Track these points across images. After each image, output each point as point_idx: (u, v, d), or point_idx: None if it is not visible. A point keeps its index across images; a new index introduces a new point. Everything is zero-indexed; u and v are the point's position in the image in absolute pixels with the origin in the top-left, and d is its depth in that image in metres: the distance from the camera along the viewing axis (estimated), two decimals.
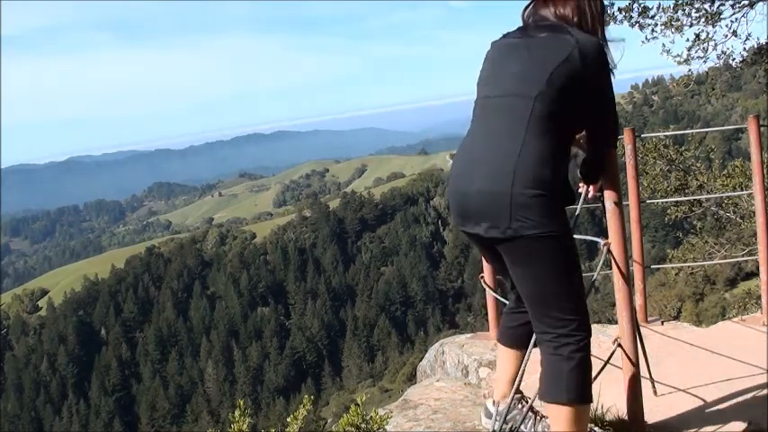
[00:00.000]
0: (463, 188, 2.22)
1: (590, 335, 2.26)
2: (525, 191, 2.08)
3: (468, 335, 4.41)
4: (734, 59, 8.42)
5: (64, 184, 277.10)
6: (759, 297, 5.02)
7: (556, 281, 2.17)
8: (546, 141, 2.12)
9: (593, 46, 2.17)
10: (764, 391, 2.92)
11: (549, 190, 2.10)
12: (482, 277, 4.22)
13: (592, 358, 2.29)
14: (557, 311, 2.19)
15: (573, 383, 2.20)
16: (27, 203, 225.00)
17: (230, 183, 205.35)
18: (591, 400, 2.28)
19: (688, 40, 8.10)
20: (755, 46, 8.39)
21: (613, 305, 2.98)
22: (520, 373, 2.55)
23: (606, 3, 2.51)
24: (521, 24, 2.36)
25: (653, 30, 8.03)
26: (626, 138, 3.92)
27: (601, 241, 2.69)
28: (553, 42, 2.17)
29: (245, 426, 2.36)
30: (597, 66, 2.17)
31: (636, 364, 2.76)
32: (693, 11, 8.00)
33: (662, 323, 4.09)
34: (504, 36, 2.35)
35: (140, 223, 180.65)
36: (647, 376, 3.00)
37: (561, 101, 2.13)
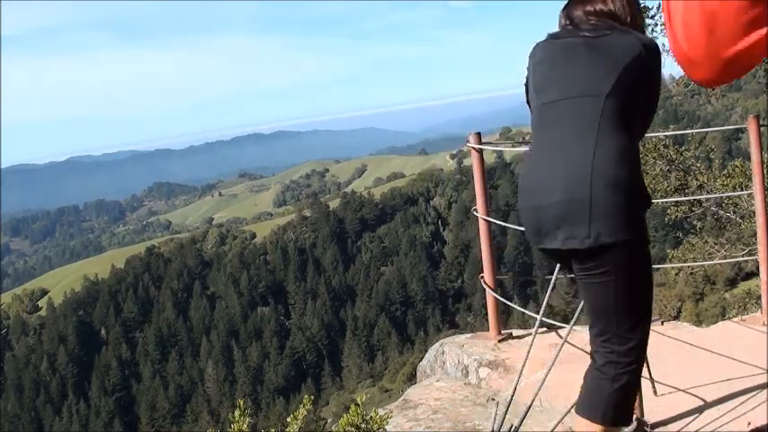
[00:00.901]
0: (536, 202, 2.11)
1: (643, 355, 2.18)
2: (605, 195, 1.98)
3: (468, 335, 4.41)
4: None
5: (64, 184, 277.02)
6: (759, 297, 5.02)
7: (627, 294, 2.09)
8: (619, 141, 2.04)
9: (656, 48, 2.15)
10: (764, 391, 2.92)
11: (629, 193, 2.02)
12: (482, 277, 4.22)
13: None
14: (617, 326, 2.11)
15: (611, 406, 2.13)
16: (27, 203, 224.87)
17: (230, 183, 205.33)
18: (627, 424, 2.20)
19: None
20: None
21: None
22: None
23: None
24: (562, 23, 2.29)
25: (653, 30, 8.03)
26: None
27: None
28: (621, 42, 2.11)
29: (245, 426, 2.36)
30: (659, 68, 2.16)
31: None
32: None
33: (662, 323, 4.08)
34: (553, 36, 2.25)
35: (140, 223, 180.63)
36: (647, 376, 3.00)
37: (629, 100, 2.08)
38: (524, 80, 2.36)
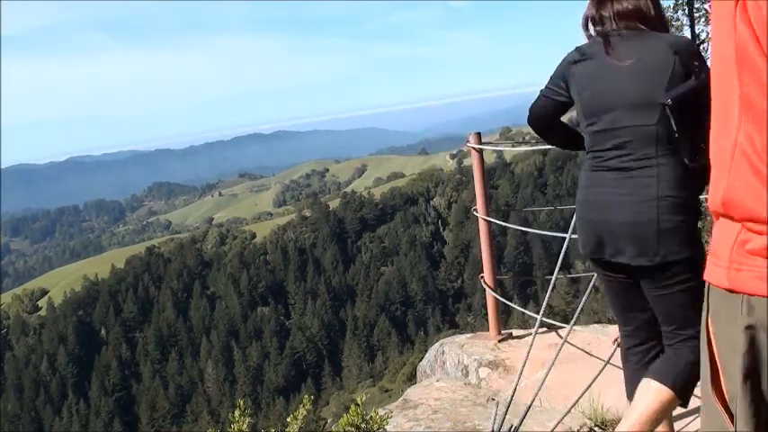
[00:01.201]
0: (600, 217, 2.22)
1: None
2: (671, 217, 2.11)
3: (468, 335, 4.41)
4: None
5: (64, 184, 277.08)
6: None
7: (694, 303, 2.13)
8: (679, 162, 2.11)
9: (689, 47, 2.15)
10: None
11: (692, 213, 2.16)
12: (482, 277, 4.22)
13: (593, 359, 2.28)
14: (688, 328, 2.20)
15: (684, 376, 2.19)
16: (27, 203, 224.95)
17: (230, 183, 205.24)
18: (683, 402, 2.24)
19: None
20: None
21: None
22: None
23: None
24: (584, 31, 2.29)
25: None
26: None
27: None
28: (653, 59, 2.12)
29: (245, 426, 2.37)
30: (700, 68, 2.12)
31: None
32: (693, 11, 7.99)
33: None
34: (582, 53, 2.25)
35: (140, 223, 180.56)
36: None
37: (681, 117, 2.07)
38: (548, 90, 2.36)
